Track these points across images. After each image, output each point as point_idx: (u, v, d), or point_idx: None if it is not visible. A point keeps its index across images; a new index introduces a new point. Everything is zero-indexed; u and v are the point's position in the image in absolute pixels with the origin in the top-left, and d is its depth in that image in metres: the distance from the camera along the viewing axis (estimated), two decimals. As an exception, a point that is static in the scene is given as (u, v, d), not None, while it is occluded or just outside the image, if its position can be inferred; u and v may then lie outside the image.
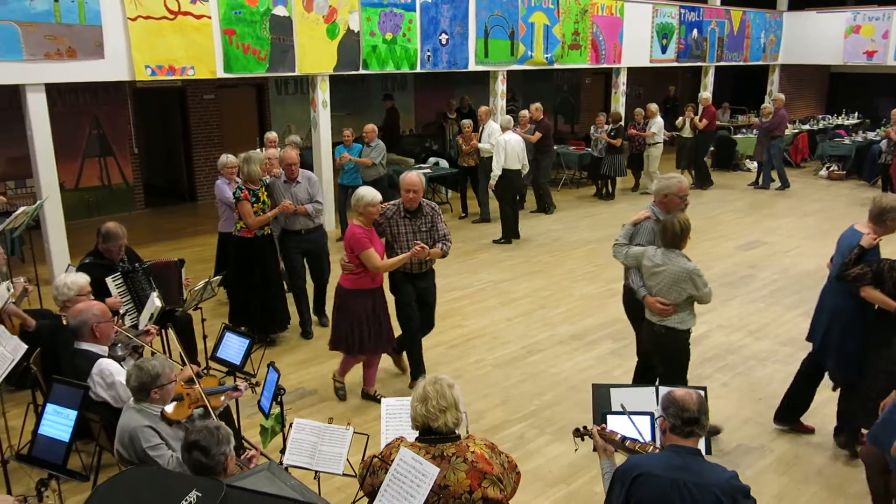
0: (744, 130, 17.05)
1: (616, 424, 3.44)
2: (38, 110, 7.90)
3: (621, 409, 3.46)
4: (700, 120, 13.74)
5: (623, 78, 14.97)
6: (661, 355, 4.85)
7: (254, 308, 6.56)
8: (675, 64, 16.12)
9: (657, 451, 3.16)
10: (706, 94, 14.57)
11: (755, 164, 16.22)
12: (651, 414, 3.52)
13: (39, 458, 3.51)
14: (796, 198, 13.38)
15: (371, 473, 3.04)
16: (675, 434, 2.94)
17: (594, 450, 3.47)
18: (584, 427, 3.54)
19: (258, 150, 8.25)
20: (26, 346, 4.04)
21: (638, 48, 14.91)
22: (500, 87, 12.82)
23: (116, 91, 11.79)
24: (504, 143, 10.05)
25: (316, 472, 3.69)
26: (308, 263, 7.01)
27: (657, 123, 13.17)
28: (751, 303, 7.88)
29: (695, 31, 16.03)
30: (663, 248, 4.69)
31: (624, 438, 3.30)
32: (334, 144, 10.50)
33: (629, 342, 6.81)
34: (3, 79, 7.58)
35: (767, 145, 13.87)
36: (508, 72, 12.93)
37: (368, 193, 5.29)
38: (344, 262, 5.39)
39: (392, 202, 5.61)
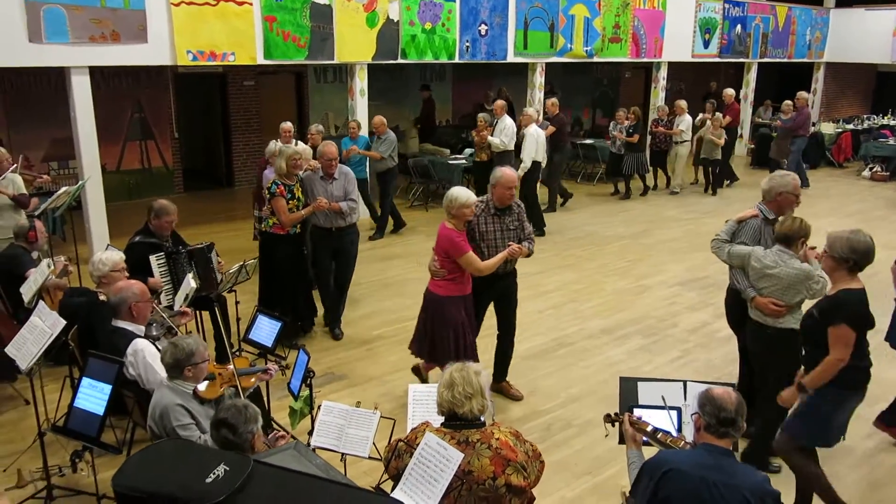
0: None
1: (646, 416, 3.41)
2: (81, 93, 8.06)
3: (662, 402, 3.42)
4: (724, 117, 13.24)
5: (664, 73, 14.78)
6: (771, 358, 4.53)
7: (282, 308, 6.14)
8: (718, 59, 15.86)
9: (688, 446, 3.12)
10: (730, 90, 14.11)
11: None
12: (679, 409, 3.49)
13: (74, 431, 3.60)
14: (838, 198, 13.10)
15: (396, 457, 3.07)
16: (709, 433, 2.89)
17: (620, 442, 3.46)
18: (616, 413, 3.52)
19: (296, 142, 8.33)
20: (65, 322, 4.14)
21: (680, 43, 14.69)
22: (539, 79, 12.75)
23: (158, 76, 11.98)
24: (536, 135, 9.99)
25: (343, 454, 3.73)
26: (335, 263, 6.67)
27: (685, 121, 12.75)
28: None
29: (738, 27, 15.75)
30: (776, 249, 4.42)
31: (655, 430, 3.27)
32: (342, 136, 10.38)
33: (659, 338, 6.79)
34: (49, 61, 7.75)
35: (791, 144, 13.58)
36: (547, 64, 12.84)
37: (462, 194, 4.87)
38: (434, 267, 5.03)
39: (480, 199, 5.18)
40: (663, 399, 3.46)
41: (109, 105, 11.01)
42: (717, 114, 13.21)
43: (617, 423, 3.54)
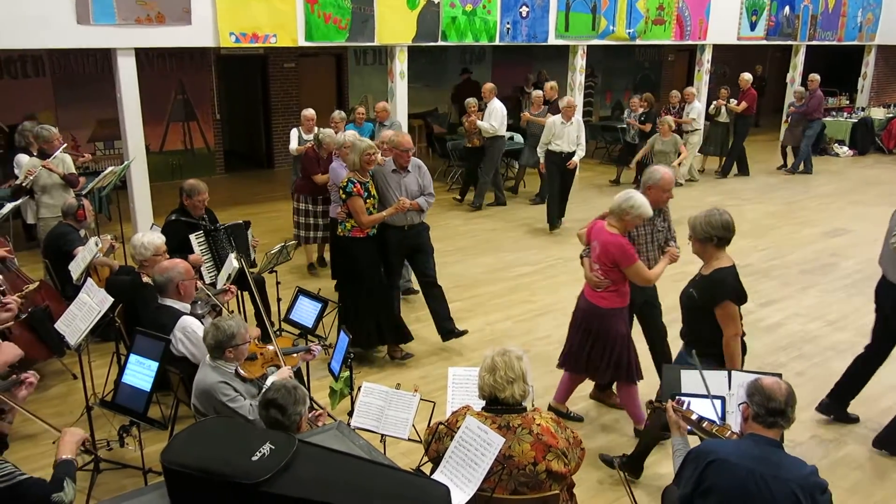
0: (834, 114, 16.30)
1: (689, 405, 3.37)
2: (127, 74, 8.17)
3: (705, 390, 3.37)
4: (739, 103, 12.76)
5: (708, 56, 14.46)
6: None
7: (366, 318, 5.72)
8: (764, 42, 15.47)
9: (735, 436, 3.07)
10: (747, 74, 13.44)
11: (845, 148, 15.54)
12: (722, 398, 3.44)
13: (122, 406, 3.67)
14: (889, 185, 12.74)
15: (437, 440, 3.08)
16: (757, 423, 2.83)
17: (664, 429, 3.42)
18: (658, 400, 3.48)
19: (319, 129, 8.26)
20: (112, 299, 4.22)
21: (725, 24, 14.36)
22: (580, 62, 12.58)
23: (201, 57, 12.11)
24: (578, 123, 9.65)
25: (382, 435, 3.76)
26: (412, 261, 6.15)
27: (696, 108, 12.26)
28: (831, 292, 7.58)
29: (787, 8, 15.33)
30: None
31: (701, 419, 3.22)
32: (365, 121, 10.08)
33: (701, 326, 6.68)
34: (96, 42, 7.87)
35: (805, 128, 13.24)
36: (588, 47, 12.67)
37: (643, 201, 4.45)
38: (596, 277, 4.60)
39: None
40: (706, 387, 3.41)
41: (153, 86, 11.15)
42: (732, 100, 12.82)
43: (658, 411, 3.51)
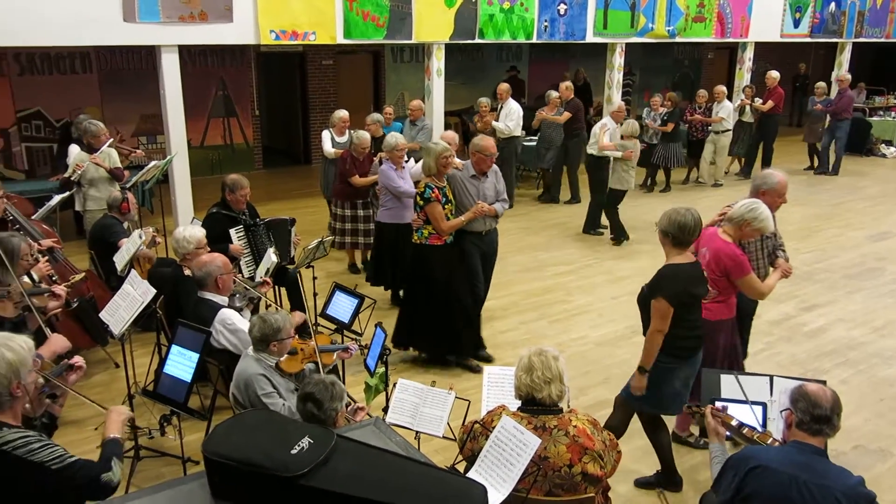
0: (881, 113, 15.91)
1: (728, 410, 3.32)
2: (171, 70, 8.30)
3: (744, 396, 3.33)
4: (764, 102, 12.35)
5: (749, 53, 14.20)
6: None
7: (438, 326, 5.57)
8: (809, 39, 15.14)
9: (777, 443, 3.02)
10: (774, 72, 12.97)
11: (892, 148, 15.16)
12: (764, 404, 3.39)
13: (163, 395, 3.74)
14: (936, 188, 12.42)
15: (472, 438, 3.09)
16: (801, 430, 2.77)
17: (702, 434, 3.38)
18: (697, 405, 3.44)
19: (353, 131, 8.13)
20: (154, 291, 4.30)
21: (768, 22, 14.07)
22: (618, 60, 12.45)
23: (242, 54, 12.27)
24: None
25: (417, 432, 3.78)
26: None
27: (726, 108, 11.83)
28: (878, 297, 7.41)
29: (832, 5, 14.99)
30: None
31: (741, 425, 3.17)
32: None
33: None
34: (141, 40, 8.02)
35: (832, 127, 12.87)
36: (627, 45, 12.54)
37: (767, 213, 4.22)
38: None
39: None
40: (744, 393, 3.37)
41: (195, 83, 11.33)
42: (757, 99, 12.45)
43: (697, 415, 3.46)
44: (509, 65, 15.28)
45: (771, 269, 4.60)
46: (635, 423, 4.27)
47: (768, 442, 3.07)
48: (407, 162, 6.90)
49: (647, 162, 11.89)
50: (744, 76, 14.20)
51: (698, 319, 4.12)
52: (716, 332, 4.34)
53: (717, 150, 12.16)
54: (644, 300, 4.08)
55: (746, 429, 3.18)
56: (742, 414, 3.31)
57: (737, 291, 4.37)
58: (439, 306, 5.51)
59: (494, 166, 5.71)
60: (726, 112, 11.85)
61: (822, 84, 13.13)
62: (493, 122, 10.15)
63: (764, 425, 3.33)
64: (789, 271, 4.54)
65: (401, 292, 6.83)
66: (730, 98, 12.65)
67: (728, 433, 3.22)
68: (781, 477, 2.67)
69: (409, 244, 6.40)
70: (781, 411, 2.99)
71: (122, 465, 2.62)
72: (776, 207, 4.55)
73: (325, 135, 8.42)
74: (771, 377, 3.53)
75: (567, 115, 10.62)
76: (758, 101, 12.49)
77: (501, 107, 10.33)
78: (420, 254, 5.56)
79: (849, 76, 13.15)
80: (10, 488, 2.41)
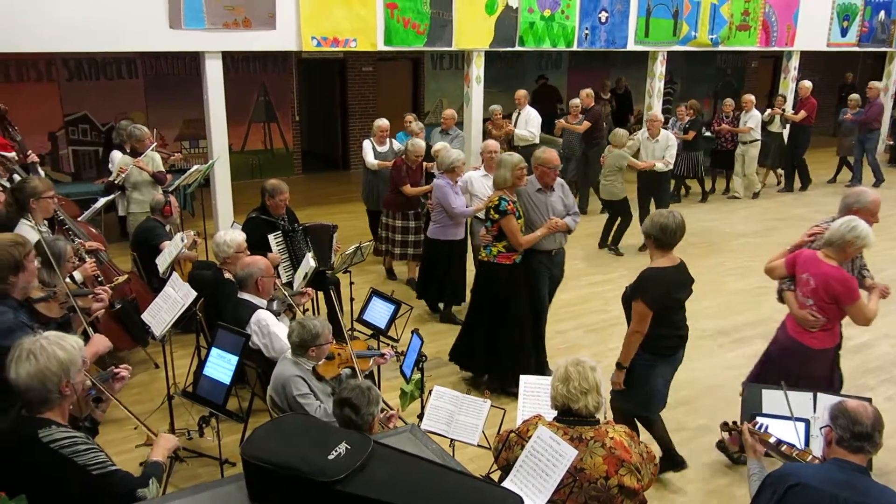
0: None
1: (770, 427, 3.26)
2: (214, 76, 8.45)
3: (788, 412, 3.26)
4: (796, 112, 11.91)
5: (795, 62, 13.96)
6: None
7: (497, 350, 5.33)
8: (856, 49, 14.83)
9: (816, 461, 2.96)
10: (807, 82, 12.48)
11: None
12: (807, 421, 3.32)
13: (202, 397, 3.80)
14: None
15: (507, 448, 3.07)
16: (841, 447, 2.72)
17: (740, 450, 3.32)
18: (734, 422, 3.38)
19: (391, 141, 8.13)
20: (195, 293, 4.37)
21: (815, 30, 13.83)
22: (659, 68, 12.34)
23: (283, 61, 12.43)
24: (664, 139, 9.13)
25: (451, 440, 3.77)
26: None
27: (754, 117, 11.37)
28: (925, 313, 7.20)
29: (882, 13, 14.67)
30: None
31: (780, 442, 3.11)
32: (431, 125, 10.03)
33: (781, 344, 6.46)
34: (186, 46, 8.18)
35: (862, 139, 12.45)
36: (668, 53, 12.42)
37: (867, 229, 4.02)
38: (811, 315, 4.12)
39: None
40: (789, 408, 3.30)
41: (237, 88, 11.49)
42: (788, 109, 12.04)
43: (735, 433, 3.40)
44: (544, 73, 15.23)
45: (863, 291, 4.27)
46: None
47: (808, 459, 3.01)
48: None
49: (671, 173, 11.34)
50: (789, 85, 13.96)
51: (682, 320, 4.24)
52: (817, 361, 4.17)
53: (746, 162, 11.71)
54: (626, 300, 4.18)
55: (785, 446, 3.12)
56: (782, 431, 3.24)
57: (842, 318, 4.16)
58: (504, 328, 5.26)
59: (559, 179, 5.46)
60: (754, 122, 11.43)
61: (855, 96, 12.74)
62: (515, 130, 9.96)
63: (807, 442, 3.26)
64: (887, 292, 4.25)
65: (441, 305, 6.82)
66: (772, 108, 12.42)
67: (766, 450, 3.16)
68: (821, 495, 2.61)
69: (458, 261, 6.44)
70: (821, 428, 2.93)
71: (159, 487, 2.67)
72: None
73: (367, 145, 8.21)
74: (814, 393, 3.45)
75: (587, 124, 10.34)
76: (790, 112, 12.14)
77: (519, 113, 10.16)
78: (487, 272, 5.27)
79: (880, 85, 12.80)
80: (53, 486, 2.46)
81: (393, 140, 8.21)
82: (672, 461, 4.45)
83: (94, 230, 6.09)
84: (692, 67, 16.56)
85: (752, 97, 11.59)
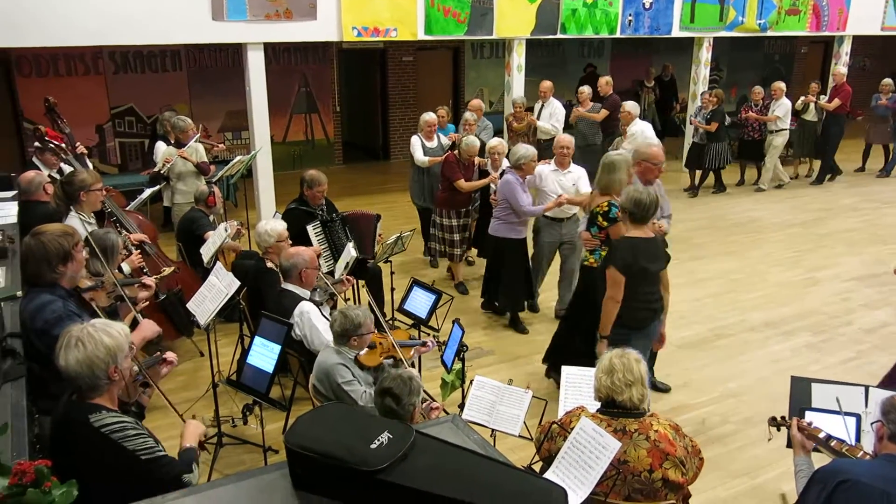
0: None
1: (816, 422, 3.18)
2: (256, 67, 8.53)
3: (837, 406, 3.17)
4: (830, 100, 11.42)
5: (846, 48, 13.54)
6: None
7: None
8: (912, 32, 14.35)
9: (867, 457, 2.87)
10: (841, 67, 11.88)
11: None
12: (858, 416, 3.22)
13: (246, 385, 3.84)
14: None
15: (549, 439, 3.05)
16: (893, 443, 2.63)
17: (788, 445, 3.25)
18: (782, 417, 3.30)
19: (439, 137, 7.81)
20: (239, 283, 4.42)
21: (868, 14, 13.37)
22: (705, 54, 12.09)
23: (324, 51, 12.48)
24: (640, 134, 8.52)
25: (492, 430, 3.76)
26: None
27: (783, 106, 10.89)
28: (983, 306, 6.96)
29: (939, -4, 14.14)
30: None
31: (829, 437, 3.03)
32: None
33: (830, 336, 6.32)
34: (229, 37, 8.27)
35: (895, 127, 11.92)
36: (714, 39, 12.15)
37: None
38: None
39: None
40: (839, 403, 3.21)
41: (279, 79, 11.59)
42: (823, 96, 11.48)
43: (783, 428, 3.32)
44: (588, 61, 15.05)
45: None
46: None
47: (858, 455, 2.92)
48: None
49: (697, 164, 11.14)
50: (840, 71, 13.56)
51: (653, 293, 4.38)
52: None
53: (770, 151, 11.21)
54: (601, 271, 4.39)
55: (835, 441, 3.03)
56: (832, 426, 3.15)
57: None
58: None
59: (658, 180, 5.24)
60: (783, 110, 10.94)
61: (888, 80, 12.11)
62: (537, 123, 9.53)
63: (858, 438, 3.17)
64: None
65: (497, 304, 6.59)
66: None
67: (815, 445, 3.08)
68: (872, 492, 2.53)
69: (518, 262, 6.20)
70: (872, 423, 2.84)
71: (198, 471, 2.71)
72: None
73: (415, 141, 7.76)
74: (866, 387, 3.35)
75: (605, 112, 9.90)
76: (823, 100, 11.59)
77: (543, 105, 9.64)
78: (598, 279, 4.83)
79: None
80: (103, 470, 2.51)
81: (439, 135, 7.94)
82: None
83: (143, 219, 6.18)
84: (738, 53, 16.21)
85: (783, 84, 11.12)
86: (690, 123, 11.42)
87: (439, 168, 7.38)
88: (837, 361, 5.89)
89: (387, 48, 13.02)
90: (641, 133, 8.58)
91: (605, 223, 4.90)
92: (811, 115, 11.70)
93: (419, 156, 7.64)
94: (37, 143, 6.23)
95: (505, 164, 6.71)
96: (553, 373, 5.40)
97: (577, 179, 6.16)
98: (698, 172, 11.26)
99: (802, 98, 11.68)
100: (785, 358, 5.93)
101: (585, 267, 5.23)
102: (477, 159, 6.96)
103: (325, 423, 2.17)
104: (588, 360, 4.97)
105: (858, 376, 5.51)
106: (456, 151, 7.05)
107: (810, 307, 6.92)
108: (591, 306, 4.90)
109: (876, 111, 12.18)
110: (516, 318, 6.43)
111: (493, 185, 6.66)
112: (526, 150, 6.05)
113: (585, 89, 10.07)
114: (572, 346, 5.14)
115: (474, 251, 7.77)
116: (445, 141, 7.91)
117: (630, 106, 8.89)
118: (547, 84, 9.72)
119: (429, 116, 7.82)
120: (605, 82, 10.28)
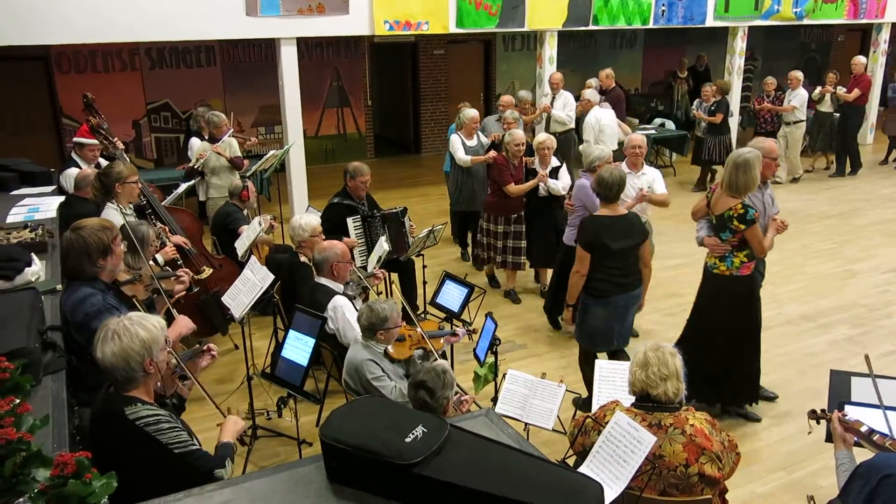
0: None
1: (857, 415, 3.11)
2: (289, 62, 8.59)
3: (878, 400, 3.11)
4: (849, 90, 10.99)
5: (885, 35, 13.22)
6: None
7: (726, 372, 4.78)
8: (955, 19, 13.96)
9: (912, 451, 2.82)
10: (861, 57, 11.35)
11: None
12: (899, 410, 3.15)
13: (280, 378, 3.88)
14: None
15: (583, 433, 3.03)
16: None
17: (827, 440, 3.19)
18: (823, 410, 3.24)
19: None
20: (273, 277, 4.46)
21: (909, 0, 13.06)
22: (740, 44, 11.89)
23: (356, 46, 12.53)
24: (595, 122, 8.35)
25: (526, 423, 3.75)
26: None
27: (799, 96, 10.46)
28: None
29: (984, -20, 13.72)
30: None
31: (872, 431, 2.96)
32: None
33: (869, 329, 6.20)
34: (262, 33, 8.34)
35: None
36: (749, 28, 11.93)
37: None
38: None
39: None
40: (879, 397, 3.13)
41: (311, 74, 11.66)
42: (841, 87, 11.02)
43: (823, 421, 3.26)
44: (619, 52, 14.89)
45: None
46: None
47: (903, 450, 2.86)
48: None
49: (700, 158, 10.71)
50: (878, 59, 13.27)
51: (619, 268, 4.61)
52: None
53: (790, 144, 10.77)
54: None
55: (878, 436, 2.96)
56: (872, 420, 3.09)
57: None
58: (737, 347, 4.75)
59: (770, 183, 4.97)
60: (799, 101, 10.52)
61: None
62: (553, 111, 9.11)
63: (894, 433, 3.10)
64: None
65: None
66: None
67: (856, 440, 3.02)
68: None
69: None
70: None
71: (232, 466, 2.72)
72: None
73: (455, 140, 7.31)
74: (907, 381, 3.28)
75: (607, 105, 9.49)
76: (841, 90, 11.12)
77: (555, 97, 9.30)
78: (729, 287, 4.65)
79: None
80: (137, 462, 2.54)
81: (479, 134, 7.51)
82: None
83: (190, 215, 6.05)
84: (774, 42, 15.91)
85: (800, 74, 10.68)
86: (693, 116, 11.03)
87: (481, 169, 7.19)
88: (877, 355, 5.75)
89: (418, 41, 13.02)
90: (598, 121, 8.41)
91: (742, 226, 4.44)
92: (826, 107, 11.28)
93: (461, 155, 7.24)
94: (90, 117, 5.73)
95: (555, 161, 6.45)
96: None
97: (651, 182, 5.83)
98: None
99: (819, 88, 11.29)
100: (823, 351, 5.83)
101: (715, 275, 4.70)
102: (525, 158, 6.55)
103: (359, 417, 2.18)
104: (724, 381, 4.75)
105: (899, 370, 5.41)
106: (503, 152, 6.58)
107: (849, 299, 6.79)
108: (725, 315, 4.68)
109: (892, 102, 11.86)
110: None
111: (541, 186, 6.41)
112: (601, 151, 5.69)
113: (593, 82, 9.83)
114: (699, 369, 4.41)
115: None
116: (485, 140, 7.53)
117: (589, 94, 8.70)
118: (557, 76, 9.49)
119: (471, 112, 7.40)
120: (606, 75, 10.02)
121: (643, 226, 4.81)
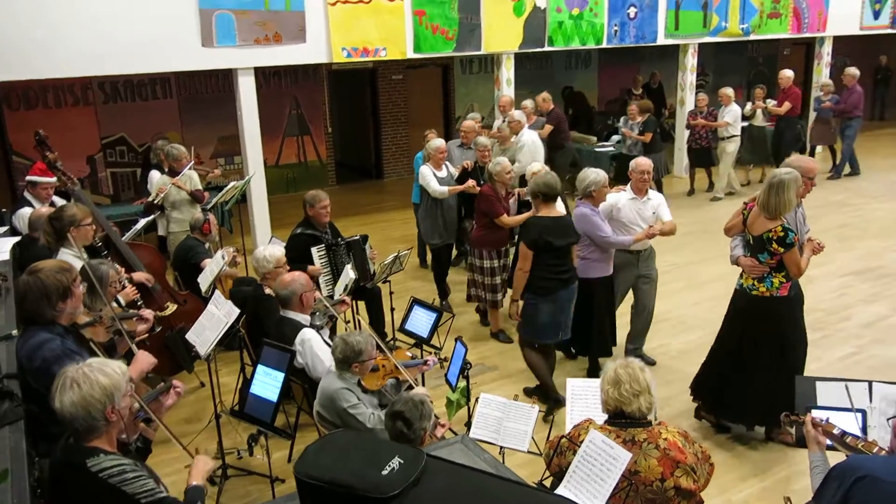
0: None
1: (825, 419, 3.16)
2: (247, 92, 8.55)
3: (849, 403, 3.17)
4: (779, 104, 11.21)
5: (828, 48, 13.68)
6: None
7: (762, 395, 4.59)
8: (890, 31, 14.48)
9: (883, 452, 2.86)
10: (788, 71, 11.69)
11: None
12: (863, 411, 3.21)
13: (251, 416, 3.81)
14: None
15: (559, 454, 3.03)
16: None
17: (798, 444, 3.23)
18: (795, 413, 3.28)
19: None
20: (238, 311, 4.39)
21: (846, 14, 13.53)
22: (691, 60, 12.19)
23: (314, 73, 12.53)
24: (532, 144, 8.21)
25: (501, 447, 3.74)
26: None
27: (732, 112, 10.61)
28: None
29: (917, -7, 14.29)
30: None
31: (844, 433, 3.01)
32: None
33: (828, 333, 6.34)
34: (219, 63, 8.29)
35: (843, 127, 11.87)
36: (699, 45, 12.24)
37: None
38: None
39: None
40: (850, 399, 3.20)
41: (270, 103, 11.60)
42: (770, 101, 11.33)
43: (796, 425, 3.31)
44: (575, 72, 15.15)
45: None
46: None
47: (874, 451, 2.91)
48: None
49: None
50: (822, 71, 13.69)
51: (561, 266, 5.03)
52: None
53: (723, 159, 10.91)
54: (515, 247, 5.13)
55: (850, 437, 3.02)
56: (842, 422, 3.14)
57: None
58: (777, 369, 4.57)
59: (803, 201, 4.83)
60: (732, 116, 10.64)
61: (828, 82, 12.11)
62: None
63: (864, 433, 3.16)
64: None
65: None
66: (806, 95, 12.03)
67: (829, 442, 3.07)
68: (891, 487, 2.52)
69: (609, 303, 5.65)
70: (888, 419, 2.83)
71: None
72: None
73: (426, 171, 6.98)
74: (870, 383, 3.34)
75: (549, 127, 9.71)
76: (771, 103, 11.38)
77: (505, 119, 8.69)
78: (769, 309, 4.57)
79: (856, 72, 11.87)
80: None
81: (447, 164, 7.24)
82: (547, 397, 5.22)
83: (152, 251, 5.92)
84: (723, 57, 16.33)
85: (731, 91, 10.80)
86: (620, 133, 11.03)
87: (454, 200, 7.03)
88: (837, 357, 5.90)
89: (376, 67, 13.07)
90: (533, 143, 8.26)
91: (782, 249, 4.35)
92: (758, 121, 11.53)
93: (435, 186, 6.89)
94: (47, 153, 5.52)
95: None
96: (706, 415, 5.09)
97: (656, 207, 5.66)
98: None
99: (750, 104, 11.53)
100: (817, 369, 5.89)
101: (755, 297, 4.59)
102: (517, 190, 6.40)
103: (334, 451, 2.15)
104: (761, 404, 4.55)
105: (860, 371, 5.55)
106: (489, 181, 6.31)
107: (807, 304, 6.86)
108: (765, 337, 4.58)
109: (819, 114, 12.15)
110: (597, 364, 5.69)
111: None
112: (596, 174, 5.36)
113: (528, 104, 9.69)
114: (736, 385, 4.68)
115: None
116: (452, 170, 7.26)
117: (518, 115, 8.45)
118: (506, 98, 9.46)
119: (438, 143, 7.07)
120: (542, 99, 10.05)
121: (573, 226, 5.22)
